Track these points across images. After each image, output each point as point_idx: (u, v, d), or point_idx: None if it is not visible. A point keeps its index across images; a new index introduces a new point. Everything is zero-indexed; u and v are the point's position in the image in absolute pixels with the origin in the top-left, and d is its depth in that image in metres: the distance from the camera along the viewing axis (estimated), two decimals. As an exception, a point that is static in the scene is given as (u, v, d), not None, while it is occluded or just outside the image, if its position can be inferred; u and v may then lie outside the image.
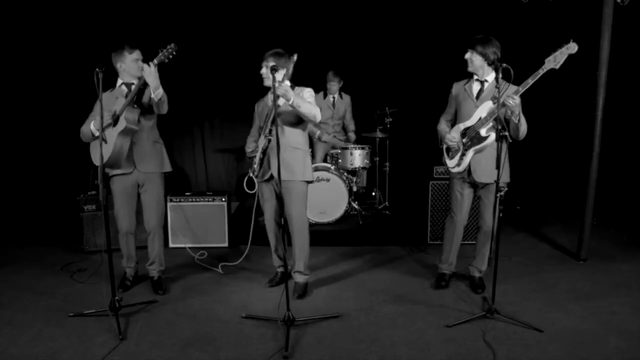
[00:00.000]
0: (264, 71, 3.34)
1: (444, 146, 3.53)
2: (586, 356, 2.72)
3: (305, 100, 3.31)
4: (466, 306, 3.34)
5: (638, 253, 4.40)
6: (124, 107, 3.28)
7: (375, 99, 5.69)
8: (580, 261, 4.20)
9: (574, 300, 3.42)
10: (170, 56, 3.20)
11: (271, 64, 3.23)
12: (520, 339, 2.90)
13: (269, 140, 3.36)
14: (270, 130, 3.34)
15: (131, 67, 3.39)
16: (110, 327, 2.99)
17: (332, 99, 5.47)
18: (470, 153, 3.33)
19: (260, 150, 3.45)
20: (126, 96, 3.37)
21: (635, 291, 3.55)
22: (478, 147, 3.28)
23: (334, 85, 5.39)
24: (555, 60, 2.95)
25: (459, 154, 3.39)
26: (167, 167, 3.60)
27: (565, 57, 2.95)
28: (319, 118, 3.33)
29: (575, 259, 4.26)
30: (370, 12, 5.70)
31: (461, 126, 3.38)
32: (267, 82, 3.36)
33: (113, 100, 3.38)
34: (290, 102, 3.17)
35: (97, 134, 3.31)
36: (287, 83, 3.37)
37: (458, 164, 3.40)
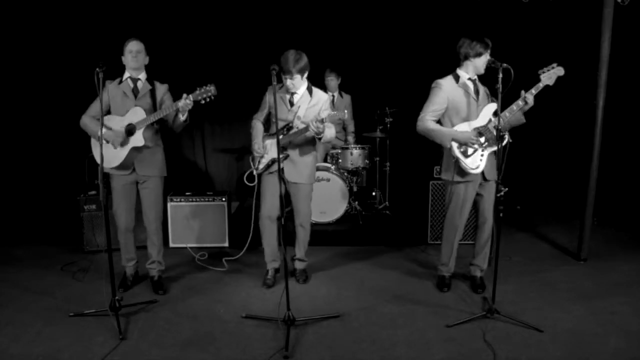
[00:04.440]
0: (290, 82, 3.38)
1: (458, 148, 3.30)
2: (586, 356, 2.73)
3: (327, 125, 3.40)
4: (466, 306, 3.34)
5: (638, 253, 4.40)
6: (143, 124, 3.32)
7: (375, 99, 5.69)
8: (581, 261, 4.20)
9: (574, 300, 3.42)
10: (208, 100, 3.26)
11: (297, 75, 3.33)
12: (521, 338, 2.90)
13: (287, 156, 3.51)
14: (285, 151, 3.48)
15: (126, 58, 3.41)
16: (110, 327, 3.00)
17: (331, 98, 5.46)
18: (486, 153, 3.31)
19: (270, 159, 3.52)
20: (135, 96, 3.41)
21: (635, 291, 3.56)
22: (495, 148, 3.25)
23: (331, 81, 5.37)
24: (550, 78, 3.19)
25: (478, 154, 3.30)
26: (164, 172, 3.62)
27: (556, 77, 3.19)
28: (334, 137, 3.60)
29: (575, 259, 4.26)
30: (370, 11, 5.70)
31: (470, 125, 3.30)
32: (294, 89, 3.44)
33: (120, 95, 3.41)
34: (320, 137, 3.37)
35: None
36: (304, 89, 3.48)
37: (478, 166, 3.31)
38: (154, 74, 3.56)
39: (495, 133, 3.19)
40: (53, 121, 5.46)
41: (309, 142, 3.58)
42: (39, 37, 5.35)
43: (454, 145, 3.30)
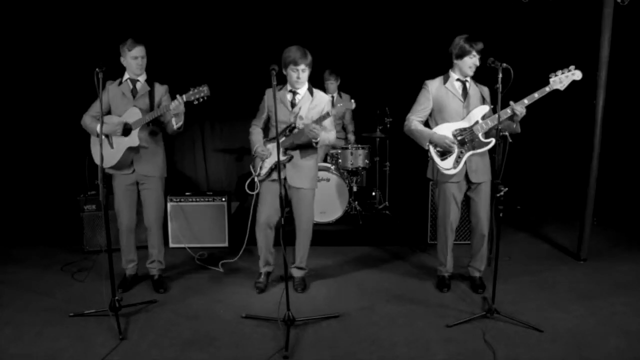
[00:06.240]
0: (301, 76, 3.31)
1: (434, 148, 3.37)
2: (586, 356, 2.73)
3: (326, 128, 3.38)
4: (466, 306, 3.34)
5: (638, 253, 4.40)
6: (139, 124, 3.32)
7: (375, 99, 5.69)
8: (580, 261, 4.20)
9: (574, 300, 3.42)
10: (201, 100, 3.22)
11: (302, 67, 3.26)
12: (521, 338, 2.90)
13: (291, 158, 3.43)
14: (288, 150, 3.42)
15: (130, 64, 3.40)
16: (110, 327, 3.00)
17: (331, 99, 5.44)
18: (466, 155, 3.32)
19: (273, 162, 3.45)
20: (133, 96, 3.42)
21: (635, 291, 3.56)
22: (480, 150, 3.26)
23: (331, 84, 5.36)
24: (561, 82, 3.07)
25: (454, 156, 3.33)
26: (164, 173, 3.62)
27: (570, 81, 3.07)
28: (333, 140, 3.54)
29: (575, 259, 4.26)
30: (370, 11, 5.70)
31: (451, 126, 3.32)
32: (299, 85, 3.38)
33: (119, 95, 3.42)
34: (317, 141, 3.30)
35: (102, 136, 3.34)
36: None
37: (454, 167, 3.34)
38: (152, 74, 3.55)
39: (480, 136, 3.24)
40: (53, 121, 5.46)
41: (312, 145, 3.48)
42: (40, 38, 5.35)
43: (431, 146, 3.36)
